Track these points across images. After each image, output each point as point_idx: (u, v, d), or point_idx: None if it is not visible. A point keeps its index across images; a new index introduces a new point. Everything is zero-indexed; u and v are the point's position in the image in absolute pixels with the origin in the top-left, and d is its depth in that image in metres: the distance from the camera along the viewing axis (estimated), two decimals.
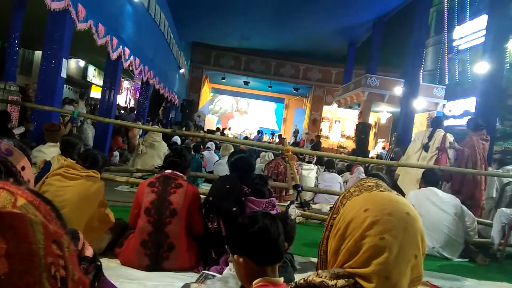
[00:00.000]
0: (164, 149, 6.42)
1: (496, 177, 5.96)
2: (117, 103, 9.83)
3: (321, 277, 0.89)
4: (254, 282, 1.27)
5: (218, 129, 19.59)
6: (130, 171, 6.02)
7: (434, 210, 4.16)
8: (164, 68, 12.89)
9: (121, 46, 7.28)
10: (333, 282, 0.87)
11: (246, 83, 24.38)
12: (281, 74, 24.34)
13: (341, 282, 0.86)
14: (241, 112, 28.87)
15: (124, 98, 20.01)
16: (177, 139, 8.47)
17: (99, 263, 1.35)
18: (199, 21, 17.35)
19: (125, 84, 19.43)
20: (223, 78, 24.45)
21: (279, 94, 27.78)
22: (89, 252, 1.21)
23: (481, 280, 3.46)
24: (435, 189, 4.34)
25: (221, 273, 2.37)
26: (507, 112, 10.78)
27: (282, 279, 1.31)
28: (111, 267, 2.58)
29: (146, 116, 11.54)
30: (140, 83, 13.46)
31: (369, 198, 0.92)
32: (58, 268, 0.43)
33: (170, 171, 2.82)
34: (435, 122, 5.89)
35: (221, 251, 2.66)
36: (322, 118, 24.29)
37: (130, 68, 8.79)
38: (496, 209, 4.70)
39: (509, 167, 6.90)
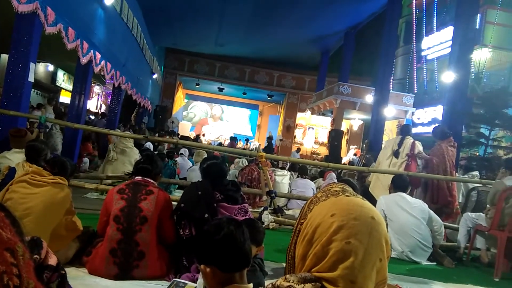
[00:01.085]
0: (135, 155, 6.31)
1: (462, 183, 6.18)
2: (87, 108, 9.60)
3: (288, 281, 0.89)
4: None
5: (198, 136, 19.49)
6: (100, 178, 5.88)
7: (403, 215, 4.25)
8: (136, 74, 12.71)
9: (92, 51, 7.13)
10: (300, 286, 0.87)
11: (221, 89, 24.35)
12: (256, 81, 24.47)
13: (308, 286, 0.87)
14: (215, 119, 28.78)
15: (95, 103, 19.58)
16: (149, 145, 8.35)
17: (63, 272, 1.31)
18: (173, 27, 17.25)
19: (96, 89, 19.03)
20: (197, 84, 24.34)
21: (253, 101, 27.89)
22: (52, 260, 1.18)
23: (448, 283, 3.56)
24: (404, 194, 4.44)
25: (192, 280, 2.34)
26: (472, 120, 11.17)
27: (251, 285, 1.29)
28: (78, 276, 2.50)
29: (117, 122, 11.31)
30: (111, 88, 13.21)
31: (336, 203, 0.93)
32: (11, 277, 0.42)
33: (140, 177, 2.77)
34: (404, 130, 6.12)
35: (192, 259, 2.63)
36: (296, 125, 24.54)
37: (101, 73, 8.62)
38: (462, 214, 4.86)
39: (474, 172, 7.18)
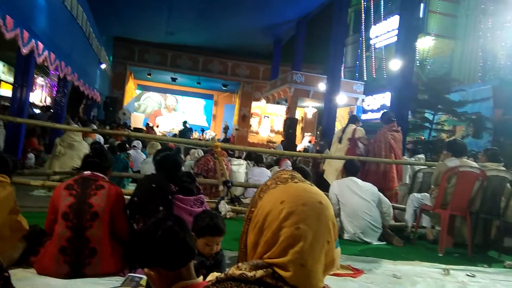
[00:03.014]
0: (84, 149, 6.05)
1: (409, 166, 6.51)
2: (30, 101, 9.06)
3: (240, 270, 0.90)
4: None
5: (151, 127, 19.02)
6: (47, 174, 5.61)
7: (354, 198, 4.43)
8: (83, 64, 12.14)
9: (33, 40, 6.70)
10: (252, 273, 0.88)
11: (174, 79, 23.85)
12: (210, 70, 24.20)
13: (259, 272, 0.88)
14: (169, 109, 28.23)
15: (39, 96, 18.52)
16: (99, 138, 8.05)
17: (6, 275, 1.25)
18: (120, 15, 16.61)
19: (40, 81, 17.98)
20: (149, 74, 23.67)
21: (208, 91, 27.61)
22: None
23: (397, 260, 3.76)
24: (355, 178, 4.62)
25: None
26: (417, 105, 11.76)
27: (200, 278, 1.27)
28: (26, 277, 2.39)
29: (64, 115, 10.78)
30: (56, 80, 12.53)
31: (284, 190, 0.95)
32: None
33: (89, 172, 2.67)
34: (351, 119, 6.54)
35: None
36: (252, 114, 24.64)
37: (45, 64, 8.15)
38: (409, 195, 5.13)
39: (420, 155, 7.59)
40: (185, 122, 19.15)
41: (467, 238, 4.31)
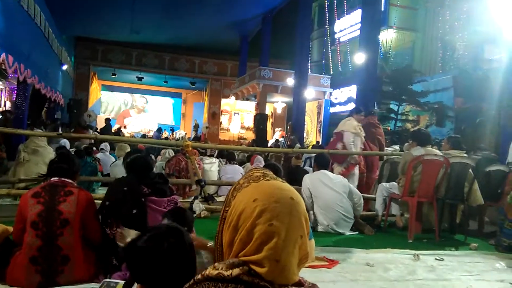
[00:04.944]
0: (50, 154, 5.86)
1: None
2: None
3: (217, 269, 0.92)
4: None
5: (119, 129, 18.58)
6: (11, 182, 5.40)
7: (326, 191, 4.51)
8: (44, 66, 11.71)
9: None
10: (228, 272, 0.90)
11: (140, 78, 23.41)
12: (176, 69, 23.90)
13: (236, 271, 0.90)
14: (139, 110, 27.66)
15: None
16: (65, 142, 7.82)
17: None
18: (81, 14, 16.11)
19: None
20: (114, 74, 23.13)
21: (175, 89, 27.27)
22: None
23: (369, 249, 3.87)
24: (326, 171, 4.71)
25: (124, 279, 2.28)
26: (382, 97, 12.07)
27: None
28: None
29: (26, 119, 10.38)
30: (16, 83, 12.03)
31: (257, 188, 0.97)
32: None
33: (57, 178, 2.60)
34: (352, 110, 6.30)
35: (122, 257, 2.56)
36: (221, 111, 24.56)
37: (3, 67, 7.82)
38: (378, 184, 5.28)
39: (395, 146, 7.80)
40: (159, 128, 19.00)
41: (435, 224, 4.49)
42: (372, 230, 4.60)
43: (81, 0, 14.55)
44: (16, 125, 9.41)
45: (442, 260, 3.61)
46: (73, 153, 5.87)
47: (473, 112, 10.77)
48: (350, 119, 5.88)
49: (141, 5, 15.75)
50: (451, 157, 4.62)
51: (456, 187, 4.59)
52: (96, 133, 12.19)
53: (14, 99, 13.21)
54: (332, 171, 5.46)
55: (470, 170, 4.64)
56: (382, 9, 13.88)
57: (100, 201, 2.77)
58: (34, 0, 9.67)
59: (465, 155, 4.86)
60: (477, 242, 4.28)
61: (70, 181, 2.63)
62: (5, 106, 17.56)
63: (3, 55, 7.17)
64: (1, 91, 17.90)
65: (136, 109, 27.59)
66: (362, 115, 6.00)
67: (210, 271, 0.92)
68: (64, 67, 16.29)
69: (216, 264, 0.94)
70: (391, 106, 12.08)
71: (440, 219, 4.62)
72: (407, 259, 3.59)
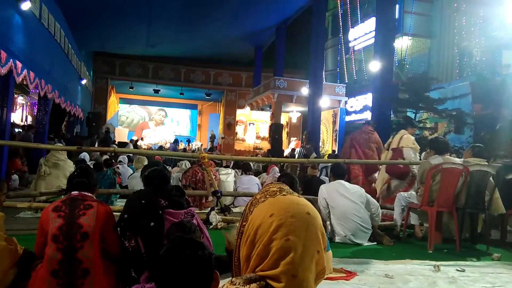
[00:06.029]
0: (70, 167, 5.99)
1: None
2: (11, 121, 8.94)
3: (235, 284, 0.93)
4: None
5: (136, 141, 18.87)
6: (33, 195, 5.52)
7: (343, 201, 4.47)
8: (63, 81, 12.03)
9: (11, 60, 6.63)
10: (246, 287, 0.91)
11: (156, 91, 23.78)
12: (192, 80, 24.20)
13: (253, 286, 0.91)
14: (157, 123, 28.05)
15: (20, 115, 18.21)
16: (85, 155, 7.97)
17: None
18: (99, 30, 16.54)
19: (20, 100, 17.71)
20: (131, 88, 23.56)
21: (191, 101, 27.59)
22: None
23: (388, 260, 3.81)
24: (342, 181, 4.66)
25: None
26: (399, 104, 11.95)
27: None
28: None
29: (47, 133, 10.63)
30: (37, 98, 12.38)
31: (273, 203, 0.98)
32: None
33: (77, 192, 2.65)
34: (404, 123, 6.33)
35: (141, 269, 2.58)
36: (237, 122, 24.69)
37: (24, 83, 8.06)
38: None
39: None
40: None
41: (455, 233, 4.40)
42: (391, 240, 4.52)
43: (99, 17, 14.93)
44: (37, 139, 9.65)
45: (464, 271, 3.53)
46: (92, 165, 5.99)
47: (492, 118, 10.56)
48: (406, 134, 5.79)
49: (156, 19, 16.07)
50: (471, 165, 4.53)
51: (476, 195, 4.49)
52: (114, 145, 12.39)
53: (35, 113, 13.57)
54: (389, 186, 5.43)
55: (491, 178, 4.54)
56: (396, 16, 13.86)
57: (118, 214, 2.81)
58: (54, 18, 9.97)
59: (485, 163, 4.76)
60: (500, 252, 4.17)
61: (89, 194, 2.68)
62: (26, 120, 18.05)
63: (25, 71, 7.40)
64: (23, 106, 18.43)
65: (155, 122, 27.98)
66: (415, 127, 6.03)
67: (227, 285, 0.93)
68: (83, 82, 16.68)
69: (233, 279, 0.95)
70: (408, 113, 11.94)
71: (461, 228, 4.51)
72: (427, 270, 3.52)
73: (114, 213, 2.80)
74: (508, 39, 11.03)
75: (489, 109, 11.10)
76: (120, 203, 5.89)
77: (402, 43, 16.96)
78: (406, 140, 5.71)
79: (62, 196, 2.88)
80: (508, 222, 4.94)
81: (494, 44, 12.34)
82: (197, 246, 1.16)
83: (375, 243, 4.48)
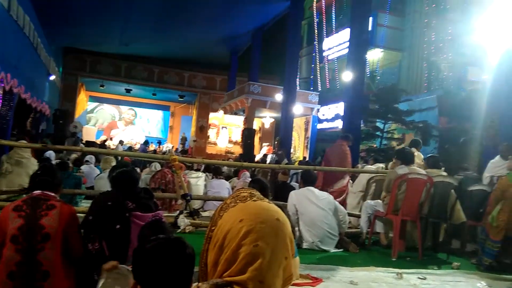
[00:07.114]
0: (34, 166, 5.77)
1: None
2: None
3: None
4: None
5: (104, 141, 18.41)
6: None
7: (312, 208, 4.52)
8: (31, 76, 11.60)
9: None
10: None
11: (128, 90, 23.33)
12: (165, 82, 23.89)
13: None
14: (126, 122, 27.43)
15: None
16: (50, 154, 7.70)
17: None
18: (70, 25, 16.08)
19: None
20: (102, 86, 22.99)
21: (164, 102, 27.21)
22: None
23: (353, 267, 3.88)
24: (312, 188, 4.72)
25: None
26: (369, 115, 12.22)
27: None
28: None
29: (10, 129, 10.20)
30: (1, 92, 11.88)
31: (243, 209, 0.98)
32: None
33: (39, 191, 2.55)
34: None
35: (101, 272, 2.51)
36: (210, 125, 24.55)
37: None
38: (363, 202, 5.31)
39: (380, 164, 7.83)
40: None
41: (418, 242, 4.52)
42: (357, 247, 4.60)
43: (71, 11, 14.52)
44: (0, 135, 9.24)
45: (425, 279, 3.64)
46: (56, 164, 5.79)
47: (457, 132, 10.95)
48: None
49: (132, 18, 15.81)
50: (434, 176, 4.69)
51: (439, 205, 4.65)
52: (82, 144, 12.05)
53: None
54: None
55: (452, 190, 4.71)
56: (370, 28, 14.17)
57: (83, 215, 2.73)
58: (23, 10, 9.62)
59: (444, 173, 4.94)
60: (460, 261, 4.33)
61: (53, 194, 2.59)
62: None
63: None
64: None
65: (124, 121, 27.38)
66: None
67: None
68: (52, 78, 16.14)
69: (199, 284, 0.94)
70: (377, 124, 12.24)
71: (424, 237, 4.65)
72: (391, 277, 3.61)
73: (78, 214, 2.71)
74: (474, 56, 11.50)
75: (454, 122, 11.52)
76: (85, 204, 5.72)
77: (374, 55, 17.39)
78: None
79: (24, 196, 2.76)
80: (468, 232, 5.13)
81: (461, 60, 12.83)
82: (184, 244, 1.20)
83: (342, 250, 4.55)
